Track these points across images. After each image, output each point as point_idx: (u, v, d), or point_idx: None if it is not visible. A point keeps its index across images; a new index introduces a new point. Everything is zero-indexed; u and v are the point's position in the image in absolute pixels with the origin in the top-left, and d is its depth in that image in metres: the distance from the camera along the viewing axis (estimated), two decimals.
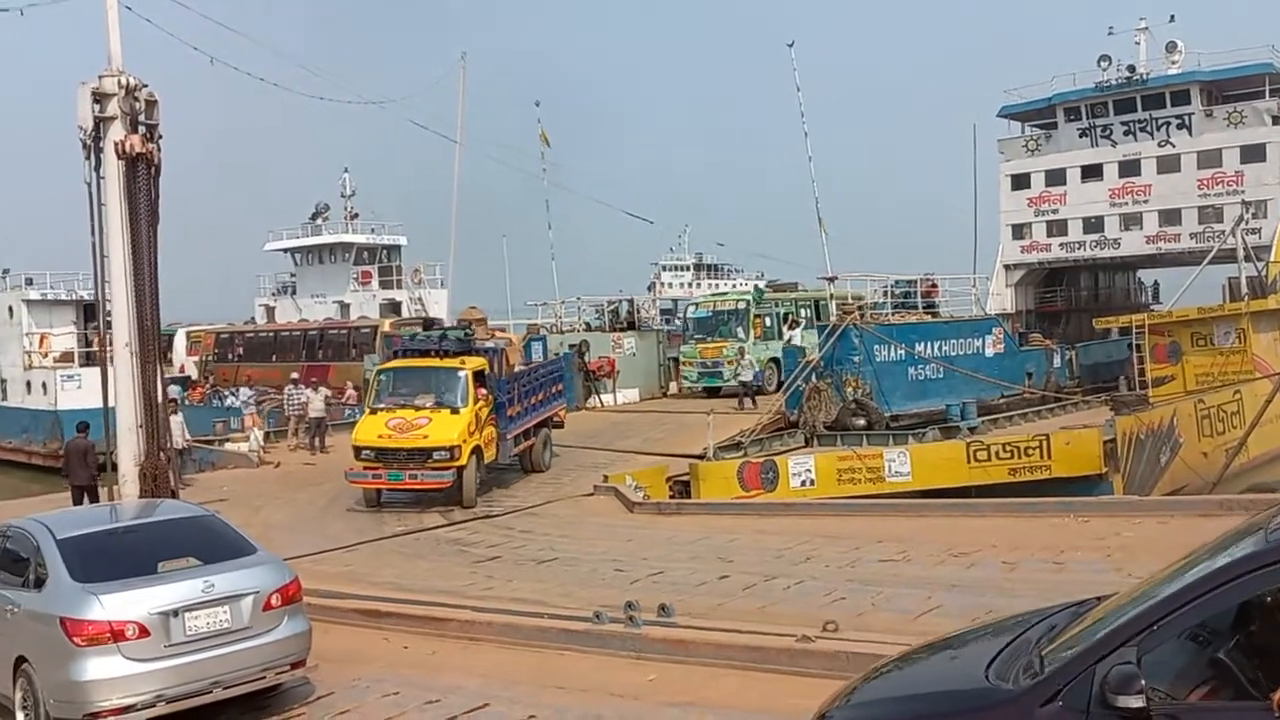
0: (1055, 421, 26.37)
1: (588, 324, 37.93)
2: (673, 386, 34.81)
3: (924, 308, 30.24)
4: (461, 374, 18.27)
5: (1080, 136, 43.69)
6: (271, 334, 42.65)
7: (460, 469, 17.61)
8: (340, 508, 18.79)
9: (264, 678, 8.47)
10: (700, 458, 21.49)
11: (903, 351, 26.69)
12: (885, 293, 30.18)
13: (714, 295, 50.04)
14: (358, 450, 17.93)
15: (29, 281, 42.64)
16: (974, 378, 27.62)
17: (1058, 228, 44.67)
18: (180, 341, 44.83)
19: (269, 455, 25.46)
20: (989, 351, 29.50)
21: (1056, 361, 33.44)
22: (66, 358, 37.56)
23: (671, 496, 19.78)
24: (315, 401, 26.89)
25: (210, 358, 42.48)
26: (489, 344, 20.43)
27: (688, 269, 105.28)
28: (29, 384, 40.32)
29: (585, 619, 9.97)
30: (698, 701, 8.09)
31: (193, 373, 42.53)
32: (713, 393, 31.86)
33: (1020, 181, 45.40)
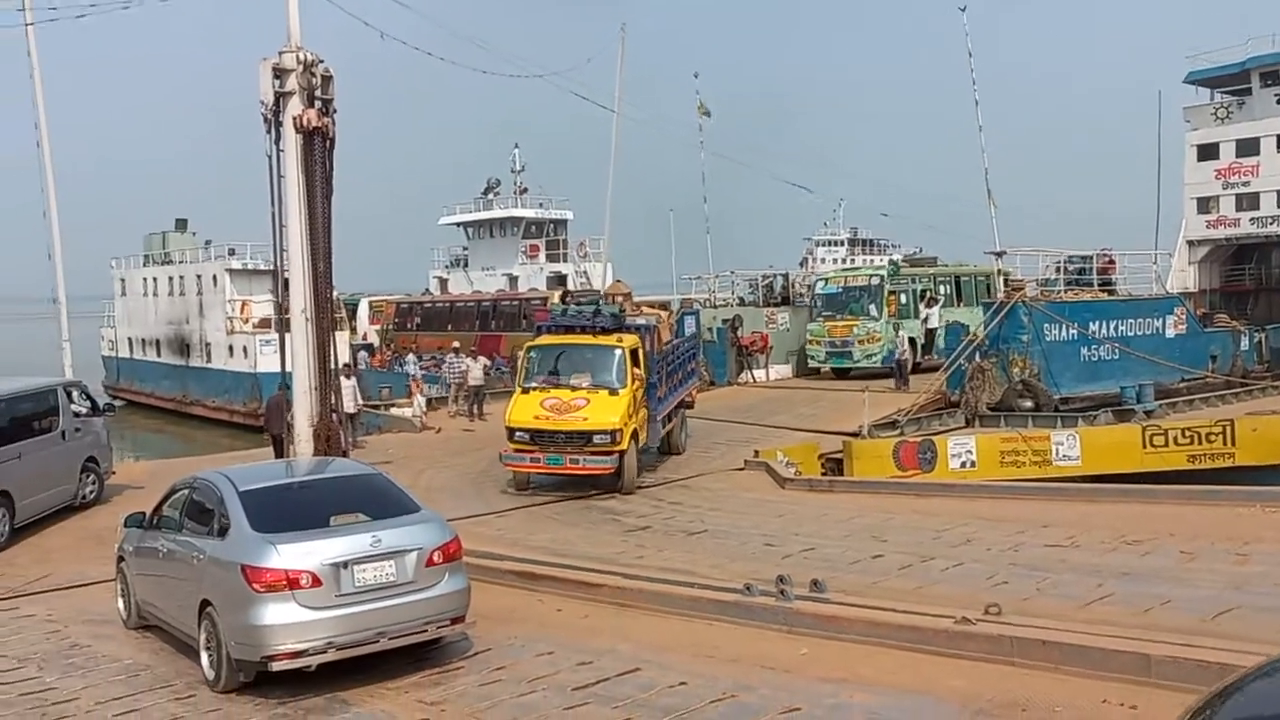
0: (1240, 407, 24.69)
1: (741, 299, 37.68)
2: (743, 375, 33.14)
3: (1100, 285, 28.66)
4: (618, 352, 17.45)
5: (1278, 103, 40.55)
6: (447, 304, 44.25)
7: (621, 454, 16.79)
8: (496, 474, 19.29)
9: (425, 631, 8.77)
10: (854, 435, 21.10)
11: (1075, 331, 25.41)
12: (1058, 269, 28.70)
13: (845, 270, 47.62)
14: (511, 431, 17.15)
15: (231, 252, 45.77)
16: (1152, 360, 26.06)
17: (1248, 201, 41.64)
18: (364, 310, 47.14)
19: (430, 421, 26.35)
20: (1170, 332, 27.77)
21: (1244, 344, 31.22)
22: (264, 323, 39.85)
23: (823, 474, 19.50)
24: (474, 370, 27.68)
25: (391, 326, 44.47)
26: (639, 320, 19.45)
27: (841, 244, 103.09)
28: (230, 348, 43.51)
29: (736, 591, 9.93)
30: (851, 678, 7.94)
31: (375, 340, 44.64)
32: (841, 374, 30.73)
33: (1207, 152, 42.47)
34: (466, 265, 57.09)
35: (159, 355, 50.65)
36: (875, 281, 31.75)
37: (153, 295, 51.77)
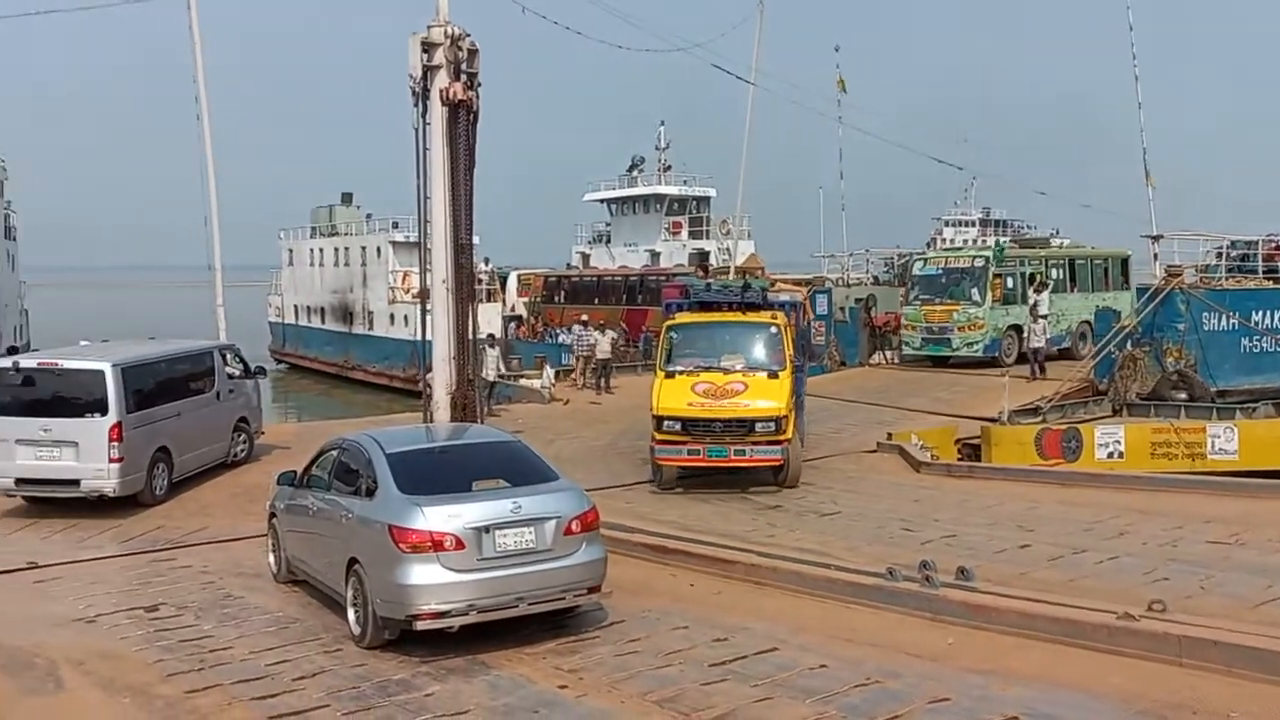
0: None
1: (875, 278, 36.86)
2: (875, 356, 31.71)
3: (1264, 273, 26.90)
4: (774, 330, 15.81)
5: None
6: (595, 279, 44.71)
7: (786, 444, 15.11)
8: (621, 447, 19.36)
9: (563, 598, 8.83)
10: (993, 421, 20.39)
11: (1235, 321, 23.95)
12: (1219, 254, 27.02)
13: (947, 250, 44.95)
14: (660, 420, 15.22)
15: (395, 225, 47.73)
16: None
17: None
18: (512, 283, 48.26)
19: (559, 393, 26.64)
20: None
21: None
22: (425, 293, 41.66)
23: (960, 459, 18.92)
24: (603, 344, 27.86)
25: (539, 299, 45.33)
26: (783, 297, 18.01)
27: (972, 224, 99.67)
28: (391, 316, 45.80)
29: (876, 574, 9.68)
30: (1001, 670, 7.64)
31: (522, 312, 45.72)
32: (939, 362, 29.11)
33: None
34: (609, 241, 57.57)
35: (323, 322, 53.21)
36: (979, 263, 29.48)
37: (318, 265, 54.51)
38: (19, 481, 14.11)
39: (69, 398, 14.26)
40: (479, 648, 8.51)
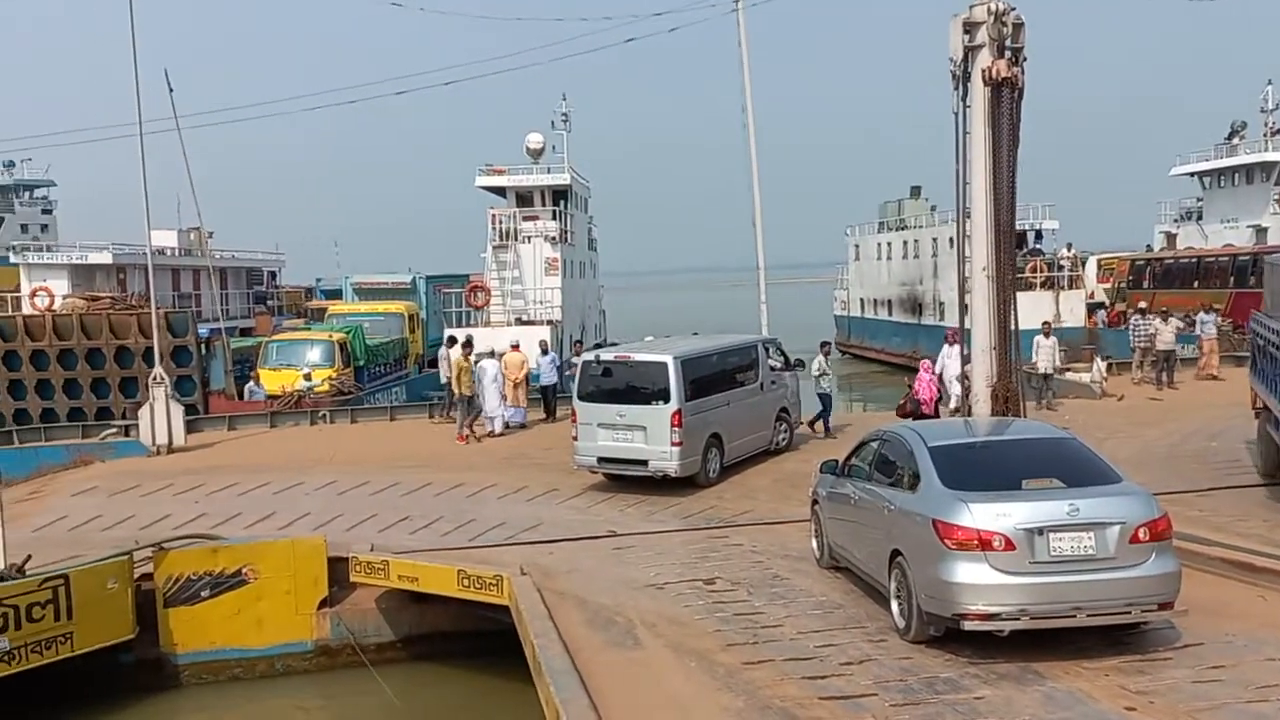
0: None
1: None
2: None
3: None
4: None
5: None
6: (1192, 260, 40.87)
7: None
8: (1190, 448, 17.29)
9: (1128, 613, 8.06)
10: None
11: None
12: None
13: None
14: None
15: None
16: None
17: None
18: (1091, 268, 46.10)
19: (1110, 388, 24.48)
20: None
21: None
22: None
23: None
24: (1164, 333, 25.11)
25: (1124, 284, 42.65)
26: None
27: None
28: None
29: None
30: None
31: (1103, 299, 43.35)
32: None
33: None
34: (1200, 218, 52.12)
35: (890, 314, 54.61)
36: None
37: (886, 259, 55.96)
38: (600, 460, 16.05)
39: (639, 387, 15.92)
40: (1031, 655, 8.05)
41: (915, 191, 57.15)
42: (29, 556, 12.02)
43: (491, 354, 22.40)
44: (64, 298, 34.47)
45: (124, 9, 19.36)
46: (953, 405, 20.14)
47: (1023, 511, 8.09)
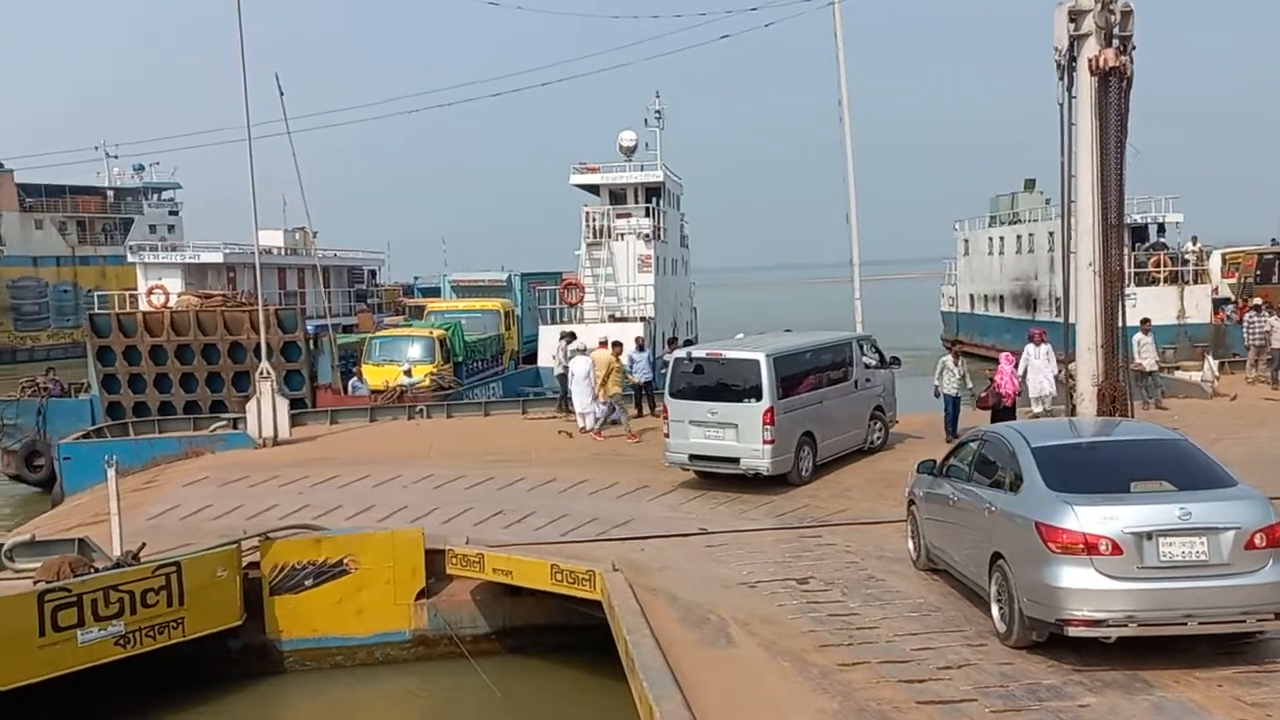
0: None
1: None
2: None
3: None
4: None
5: None
6: None
7: None
8: None
9: (1244, 621, 7.77)
10: None
11: None
12: None
13: None
14: None
15: None
16: None
17: None
18: (1215, 263, 44.66)
19: (1223, 387, 23.52)
20: None
21: None
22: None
23: None
24: (1279, 330, 24.01)
25: (1250, 279, 41.18)
26: None
27: None
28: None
29: None
30: None
31: (1227, 294, 41.95)
32: None
33: None
34: None
35: (1001, 310, 53.42)
36: None
37: (998, 253, 54.72)
38: (692, 457, 16.03)
39: (730, 384, 15.84)
40: (1139, 663, 7.80)
41: (1029, 184, 55.53)
42: (144, 544, 12.55)
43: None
44: (178, 295, 35.82)
45: (242, 16, 20.05)
46: (1036, 409, 19.61)
47: (1131, 515, 7.83)
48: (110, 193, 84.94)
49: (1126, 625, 7.72)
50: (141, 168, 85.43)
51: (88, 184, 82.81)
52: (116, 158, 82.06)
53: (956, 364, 19.36)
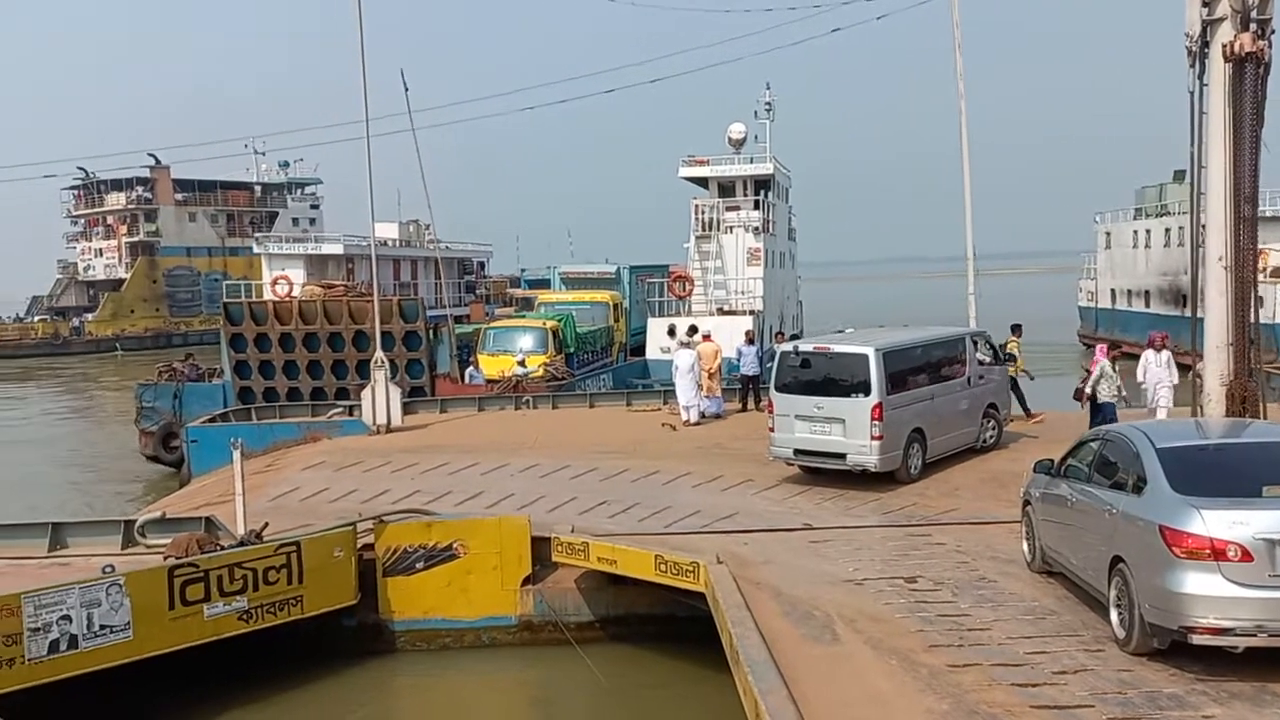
0: None
1: None
2: None
3: None
4: None
5: None
6: None
7: None
8: None
9: None
10: None
11: None
12: None
13: None
14: None
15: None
16: None
17: None
18: None
19: None
20: None
21: None
22: (1276, 273, 40.50)
23: None
24: None
25: None
26: None
27: None
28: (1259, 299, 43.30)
29: None
30: None
31: None
32: None
33: None
34: None
35: (1146, 305, 51.77)
36: None
37: (1144, 247, 53.07)
38: (797, 452, 15.89)
39: (837, 379, 15.63)
40: (1269, 675, 7.45)
41: (1179, 176, 53.22)
42: (266, 524, 13.07)
43: (687, 344, 22.57)
44: (302, 285, 37.15)
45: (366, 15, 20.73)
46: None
47: (1263, 520, 7.48)
48: (258, 187, 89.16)
49: (1255, 635, 7.38)
50: (286, 164, 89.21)
51: (237, 179, 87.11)
52: (264, 154, 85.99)
53: (1115, 369, 18.60)
